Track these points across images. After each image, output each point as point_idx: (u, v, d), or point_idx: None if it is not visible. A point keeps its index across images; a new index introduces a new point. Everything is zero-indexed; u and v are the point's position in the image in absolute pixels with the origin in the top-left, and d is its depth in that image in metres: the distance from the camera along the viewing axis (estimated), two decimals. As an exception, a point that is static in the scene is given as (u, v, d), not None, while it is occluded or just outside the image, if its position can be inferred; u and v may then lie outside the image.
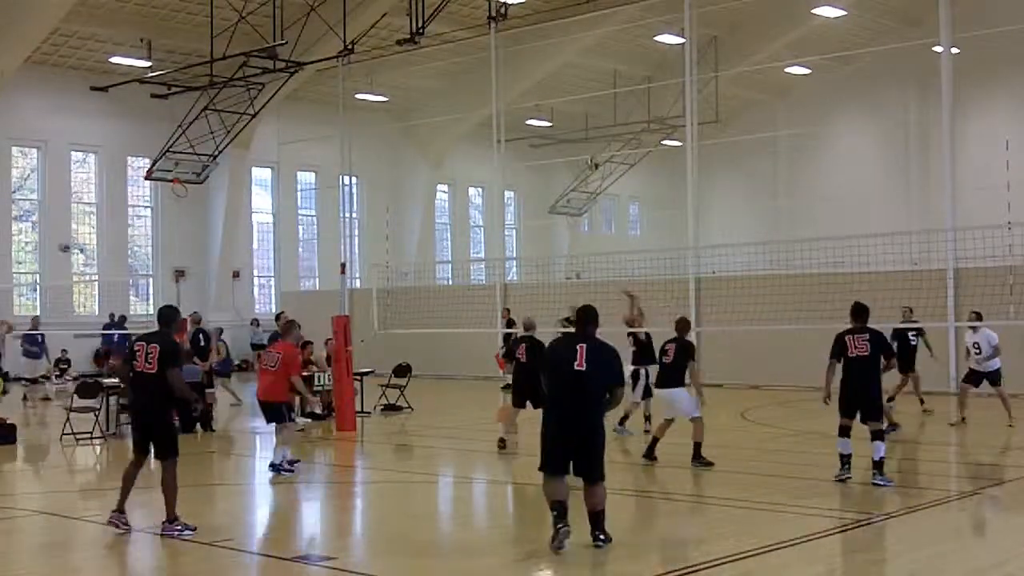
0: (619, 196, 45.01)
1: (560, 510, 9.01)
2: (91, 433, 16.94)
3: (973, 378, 17.42)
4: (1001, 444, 16.10)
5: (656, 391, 14.36)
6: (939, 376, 22.68)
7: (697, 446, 13.35)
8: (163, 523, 9.77)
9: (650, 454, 13.73)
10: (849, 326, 12.31)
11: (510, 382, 26.34)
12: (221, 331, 22.81)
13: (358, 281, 35.59)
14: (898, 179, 38.05)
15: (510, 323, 26.90)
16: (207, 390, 19.83)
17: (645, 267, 25.25)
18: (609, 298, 17.81)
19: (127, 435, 17.45)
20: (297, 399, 19.09)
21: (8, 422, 17.47)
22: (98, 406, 17.34)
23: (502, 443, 15.21)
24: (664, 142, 39.36)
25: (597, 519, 9.20)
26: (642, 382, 16.30)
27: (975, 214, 24.07)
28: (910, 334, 18.77)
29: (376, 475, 14.77)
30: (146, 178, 33.04)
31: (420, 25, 26.80)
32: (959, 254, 21.87)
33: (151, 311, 33.85)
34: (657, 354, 14.40)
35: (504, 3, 29.49)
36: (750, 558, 8.75)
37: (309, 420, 19.43)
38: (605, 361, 9.14)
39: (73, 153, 33.01)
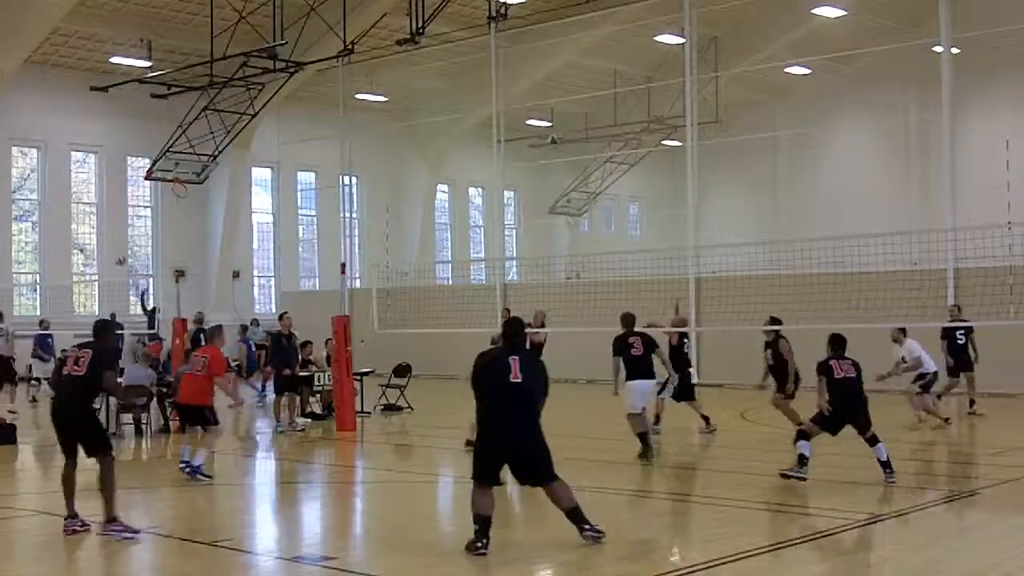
0: (619, 196, 45.00)
1: (484, 525, 9.08)
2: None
3: (924, 384, 17.64)
4: (1001, 444, 16.10)
5: (632, 384, 14.44)
6: (939, 376, 22.69)
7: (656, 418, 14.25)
8: (102, 524, 9.67)
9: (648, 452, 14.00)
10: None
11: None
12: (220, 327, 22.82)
13: (358, 281, 35.60)
14: (898, 179, 38.03)
15: (510, 323, 26.88)
16: None
17: (645, 267, 25.24)
18: (610, 298, 17.82)
19: (127, 435, 17.55)
20: (297, 400, 19.20)
21: (8, 423, 17.50)
22: (98, 406, 17.32)
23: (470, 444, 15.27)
24: (664, 142, 39.35)
25: (576, 515, 9.25)
26: (672, 383, 16.30)
27: (975, 214, 24.02)
28: (958, 333, 18.76)
29: (376, 475, 14.77)
30: (146, 178, 33.04)
31: (420, 25, 26.81)
32: (959, 254, 21.88)
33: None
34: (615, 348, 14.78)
35: (504, 3, 29.49)
36: (750, 558, 8.75)
37: (309, 420, 19.45)
38: (537, 372, 9.40)
39: (73, 153, 33.01)
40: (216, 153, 32.01)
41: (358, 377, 19.50)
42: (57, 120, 31.69)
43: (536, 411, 9.32)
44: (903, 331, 17.80)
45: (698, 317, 24.61)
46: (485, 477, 9.20)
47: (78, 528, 9.77)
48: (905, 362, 17.41)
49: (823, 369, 12.49)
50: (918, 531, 9.97)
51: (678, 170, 33.83)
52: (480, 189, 42.38)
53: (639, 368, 14.38)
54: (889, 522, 10.24)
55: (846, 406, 12.33)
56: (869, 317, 18.33)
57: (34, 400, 24.02)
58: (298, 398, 19.21)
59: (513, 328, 9.73)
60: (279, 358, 18.86)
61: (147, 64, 30.80)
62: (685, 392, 16.69)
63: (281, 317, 19.71)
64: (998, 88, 34.95)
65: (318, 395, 20.06)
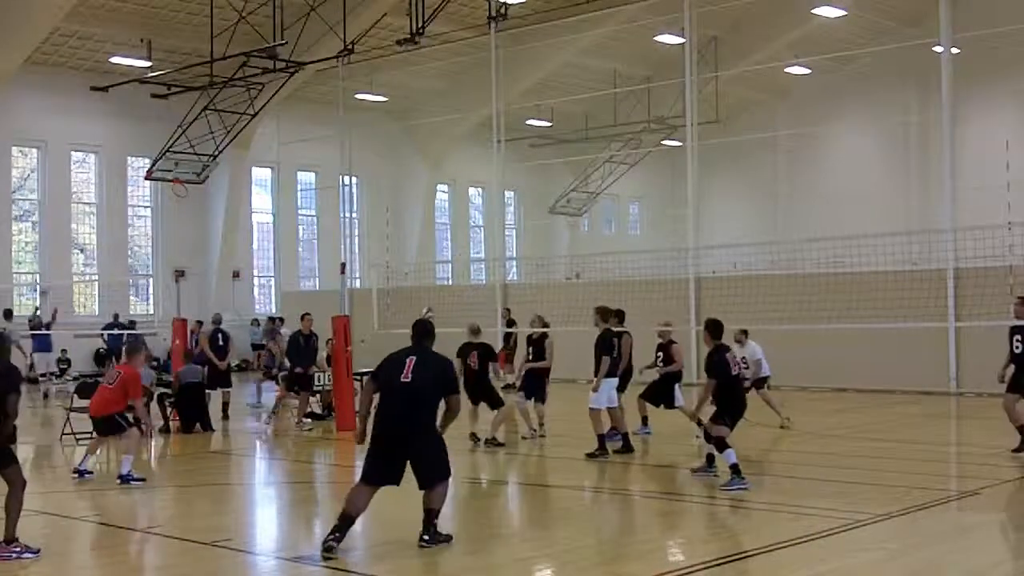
0: (619, 196, 45.02)
1: (349, 523, 9.10)
2: (91, 433, 16.92)
3: (758, 383, 17.42)
4: (1000, 444, 16.08)
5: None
6: (939, 377, 22.72)
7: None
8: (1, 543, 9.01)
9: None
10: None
11: (510, 382, 26.48)
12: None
13: (358, 281, 35.60)
14: (898, 179, 38.05)
15: (511, 323, 26.89)
16: (224, 388, 19.91)
17: (645, 267, 25.25)
18: (610, 298, 17.81)
19: (127, 435, 17.50)
20: (297, 402, 19.22)
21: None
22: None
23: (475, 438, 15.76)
24: (664, 142, 39.36)
25: (430, 516, 9.36)
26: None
27: (975, 214, 24.02)
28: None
29: (376, 475, 14.73)
30: (146, 178, 33.05)
31: (420, 25, 26.82)
32: (959, 254, 21.86)
33: (151, 311, 33.91)
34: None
35: (504, 3, 29.49)
36: (750, 558, 8.74)
37: (309, 420, 19.43)
38: (435, 373, 9.34)
39: (73, 153, 33.01)
40: (216, 153, 32.02)
41: (358, 377, 19.48)
42: (57, 120, 31.68)
43: (429, 412, 9.31)
44: (745, 332, 17.67)
45: (698, 317, 24.57)
46: (371, 479, 9.30)
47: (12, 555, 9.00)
48: (746, 364, 16.87)
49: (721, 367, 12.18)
50: (918, 531, 9.97)
51: (678, 170, 33.85)
52: (480, 189, 42.39)
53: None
54: (889, 522, 10.23)
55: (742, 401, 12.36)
56: (869, 317, 18.33)
57: (46, 396, 24.13)
58: (297, 401, 19.25)
59: (417, 329, 9.72)
60: (297, 357, 19.06)
61: (147, 64, 30.80)
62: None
63: (303, 317, 19.90)
64: (998, 88, 34.96)
65: (318, 395, 20.05)
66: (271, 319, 28.83)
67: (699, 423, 15.53)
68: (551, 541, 9.85)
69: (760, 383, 17.49)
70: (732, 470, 11.99)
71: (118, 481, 12.80)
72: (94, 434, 13.67)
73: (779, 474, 13.46)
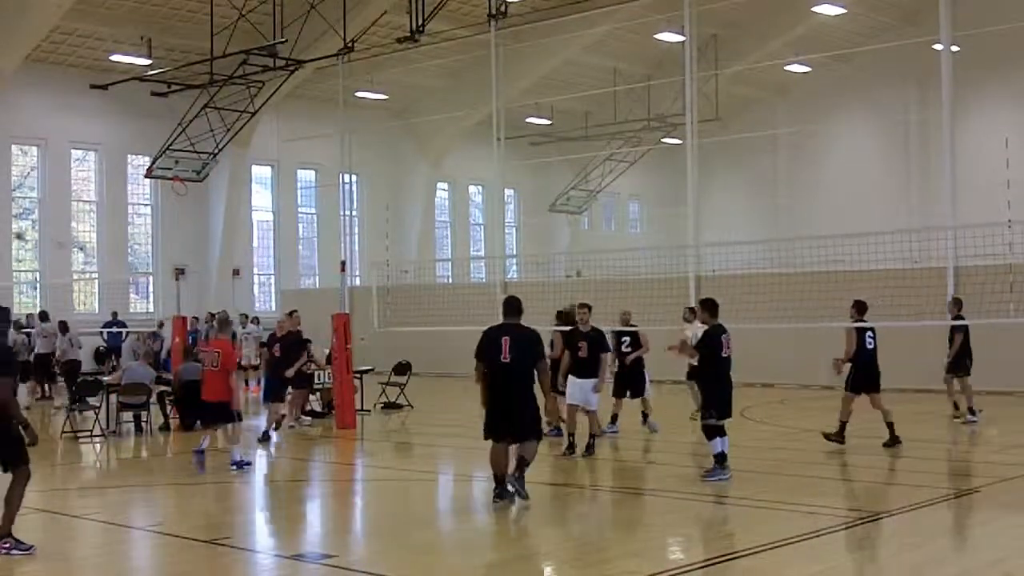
0: (619, 194, 45.01)
1: (502, 479, 10.90)
2: (91, 431, 16.96)
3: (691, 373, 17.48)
4: (1001, 442, 16.11)
5: (577, 380, 14.65)
6: (939, 375, 22.71)
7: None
8: None
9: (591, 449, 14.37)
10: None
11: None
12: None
13: (358, 279, 35.60)
14: (898, 177, 38.04)
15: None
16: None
17: (645, 265, 25.22)
18: (610, 296, 17.81)
19: (127, 433, 17.54)
20: (283, 408, 19.20)
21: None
22: (98, 404, 17.36)
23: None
24: (664, 140, 39.34)
25: (521, 465, 10.94)
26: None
27: (975, 212, 24.00)
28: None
29: (376, 473, 14.77)
30: (146, 176, 33.03)
31: (420, 23, 26.79)
32: (959, 252, 21.86)
33: (151, 309, 33.91)
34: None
35: (504, 1, 29.46)
36: (750, 557, 8.75)
37: (310, 418, 19.45)
38: (525, 348, 11.03)
39: (73, 151, 33.00)
40: (216, 151, 32.00)
41: (358, 375, 19.51)
42: (57, 118, 31.67)
43: (526, 382, 10.96)
44: (693, 311, 17.69)
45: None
46: (492, 436, 11.02)
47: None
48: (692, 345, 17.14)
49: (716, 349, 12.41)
50: (918, 529, 9.97)
51: (678, 168, 33.76)
52: (480, 187, 42.38)
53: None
54: (889, 520, 10.24)
55: (731, 387, 12.53)
56: (869, 315, 18.26)
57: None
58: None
59: (505, 307, 11.40)
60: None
61: (147, 62, 30.78)
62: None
63: (290, 315, 19.84)
64: (998, 86, 34.95)
65: (318, 393, 20.07)
66: (212, 315, 27.02)
67: (644, 417, 16.49)
68: (550, 540, 9.86)
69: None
70: (716, 459, 12.17)
71: (232, 468, 13.43)
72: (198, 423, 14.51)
73: (778, 472, 13.46)
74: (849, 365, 14.89)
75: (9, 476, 9.17)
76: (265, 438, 16.51)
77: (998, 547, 9.32)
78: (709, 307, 12.80)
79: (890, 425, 14.62)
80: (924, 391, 21.84)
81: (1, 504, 9.15)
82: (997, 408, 20.08)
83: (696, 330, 17.49)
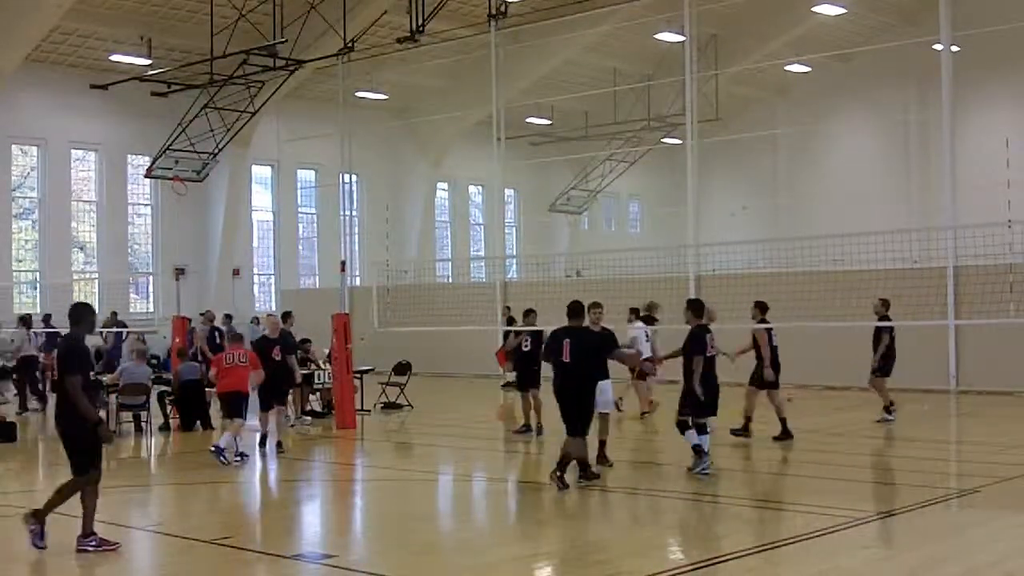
0: (619, 194, 45.02)
1: (584, 463, 12.08)
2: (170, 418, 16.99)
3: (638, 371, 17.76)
4: (1000, 443, 16.11)
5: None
6: (939, 375, 22.72)
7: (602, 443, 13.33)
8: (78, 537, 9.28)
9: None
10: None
11: (510, 380, 26.44)
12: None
13: (358, 279, 35.60)
14: (898, 177, 38.05)
15: (510, 321, 26.86)
16: None
17: (645, 265, 25.20)
18: (610, 296, 17.78)
19: (127, 433, 17.54)
20: (292, 394, 19.21)
21: (8, 420, 17.52)
22: (98, 404, 17.34)
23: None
24: (664, 140, 39.35)
25: (602, 446, 12.73)
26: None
27: (975, 212, 24.00)
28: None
29: (376, 473, 14.77)
30: (146, 176, 33.04)
31: (420, 23, 26.78)
32: (959, 252, 21.86)
33: (151, 309, 33.91)
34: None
35: (504, 1, 29.46)
36: (750, 557, 8.75)
37: (309, 418, 19.46)
38: (591, 348, 12.02)
39: (73, 151, 32.99)
40: (216, 151, 32.01)
41: (358, 375, 19.51)
42: (57, 118, 31.67)
43: (587, 379, 11.94)
44: (634, 312, 18.12)
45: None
46: (571, 431, 11.89)
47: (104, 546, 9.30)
48: (631, 346, 17.17)
49: (698, 348, 12.63)
50: (918, 529, 9.97)
51: (678, 168, 33.80)
52: (480, 187, 42.38)
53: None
54: (889, 520, 10.24)
55: (716, 384, 12.71)
56: (869, 315, 18.27)
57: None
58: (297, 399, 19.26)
59: (569, 310, 12.19)
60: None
61: (147, 62, 30.78)
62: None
63: (285, 317, 19.85)
64: (998, 86, 34.96)
65: (318, 393, 20.07)
66: (228, 316, 26.75)
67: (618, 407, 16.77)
68: (550, 539, 9.86)
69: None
70: (694, 451, 12.48)
71: (211, 449, 14.03)
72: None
73: (778, 472, 13.47)
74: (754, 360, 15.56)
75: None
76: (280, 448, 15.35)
77: (998, 547, 9.31)
78: (695, 308, 13.11)
79: (783, 420, 15.21)
80: (924, 391, 21.87)
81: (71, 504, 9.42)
82: (997, 408, 20.10)
83: (637, 331, 17.81)
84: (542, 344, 14.61)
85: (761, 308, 15.84)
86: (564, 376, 11.83)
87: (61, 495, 9.38)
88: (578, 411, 11.82)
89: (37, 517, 9.26)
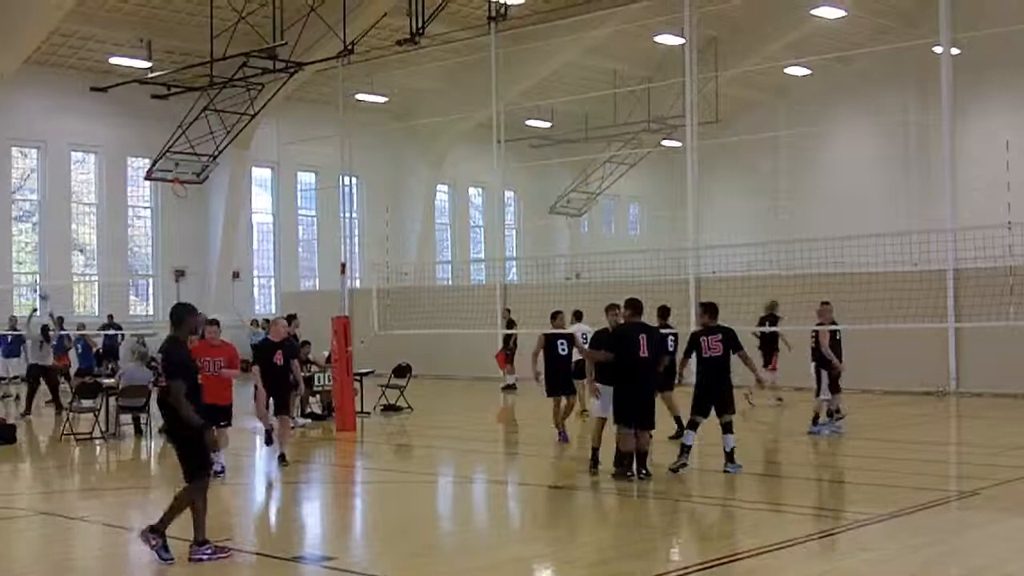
0: (619, 196, 45.02)
1: (630, 457, 12.38)
2: (91, 433, 16.96)
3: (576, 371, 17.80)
4: (1000, 444, 16.11)
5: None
6: (939, 377, 22.72)
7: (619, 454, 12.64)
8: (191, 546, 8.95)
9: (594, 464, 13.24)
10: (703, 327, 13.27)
11: (510, 383, 26.44)
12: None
13: (358, 281, 35.60)
14: (898, 179, 38.06)
15: (510, 323, 26.88)
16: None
17: (645, 267, 25.21)
18: (610, 298, 17.76)
19: (126, 435, 17.53)
20: (297, 399, 19.22)
21: (8, 423, 17.52)
22: (98, 406, 17.35)
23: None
24: (664, 142, 39.36)
25: (643, 457, 12.42)
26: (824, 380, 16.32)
27: (975, 214, 24.03)
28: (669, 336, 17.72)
29: (376, 475, 14.76)
30: (146, 178, 33.05)
31: (420, 25, 26.80)
32: (959, 254, 21.85)
33: (151, 311, 33.90)
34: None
35: (504, 3, 29.48)
36: (750, 558, 8.75)
37: (309, 420, 19.45)
38: (659, 344, 12.71)
39: (73, 153, 33.02)
40: (216, 153, 32.01)
41: (358, 377, 19.50)
42: (57, 120, 31.69)
43: (656, 374, 12.73)
44: (576, 314, 18.12)
45: (698, 317, 24.56)
46: (630, 424, 12.30)
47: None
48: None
49: (689, 350, 13.12)
50: (918, 531, 9.97)
51: (678, 170, 33.83)
52: (480, 189, 42.39)
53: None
54: (889, 522, 10.23)
55: (710, 385, 12.91)
56: (869, 317, 18.30)
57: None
58: (298, 398, 19.25)
59: (634, 307, 12.57)
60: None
61: (147, 64, 30.80)
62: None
63: (290, 320, 19.87)
64: (998, 88, 34.96)
65: (318, 395, 20.07)
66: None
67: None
68: (550, 541, 9.85)
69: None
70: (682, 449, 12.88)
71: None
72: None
73: (779, 474, 13.47)
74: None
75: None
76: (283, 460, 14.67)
77: (999, 549, 9.31)
78: (711, 310, 13.33)
79: (677, 419, 15.37)
80: (924, 393, 21.88)
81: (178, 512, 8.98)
82: (997, 410, 20.10)
83: (577, 331, 17.84)
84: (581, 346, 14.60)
85: (664, 314, 15.99)
86: (641, 370, 12.28)
87: (178, 504, 8.90)
88: (649, 404, 12.37)
89: (156, 531, 8.75)
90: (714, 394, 12.86)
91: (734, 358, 13.10)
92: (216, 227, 34.68)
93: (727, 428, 12.86)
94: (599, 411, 13.29)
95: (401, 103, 37.90)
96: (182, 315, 9.09)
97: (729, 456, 12.78)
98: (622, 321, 13.27)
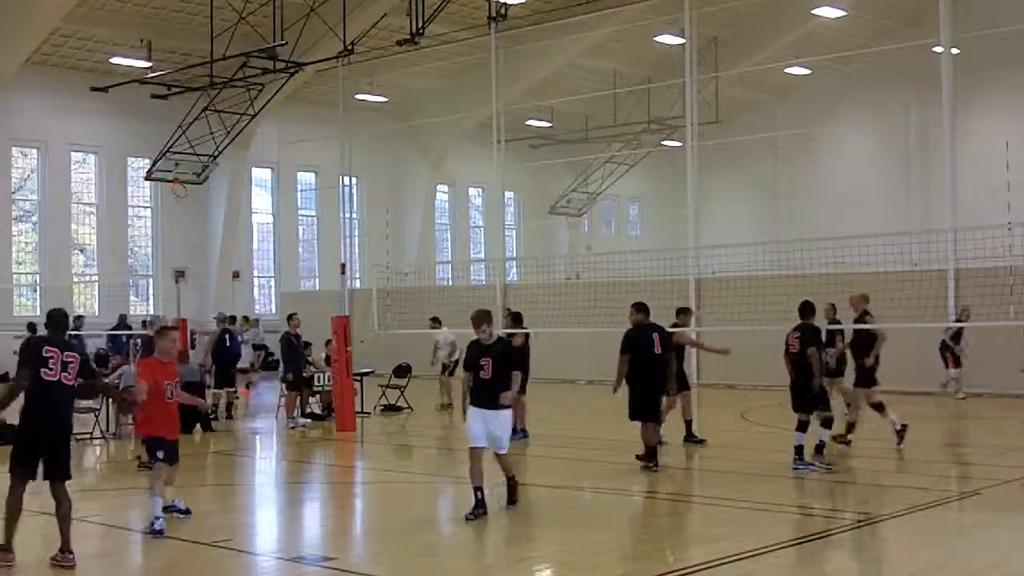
0: (619, 196, 45.03)
1: (653, 451, 12.92)
2: (91, 433, 16.95)
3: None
4: (1001, 444, 16.11)
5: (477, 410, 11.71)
6: (940, 377, 22.71)
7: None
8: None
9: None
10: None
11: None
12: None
13: (358, 281, 35.60)
14: (898, 179, 38.05)
15: (517, 319, 26.77)
16: (229, 389, 19.90)
17: (645, 267, 25.21)
18: (610, 298, 17.78)
19: (127, 436, 17.51)
20: (297, 399, 19.25)
21: (8, 422, 17.46)
22: (98, 407, 17.34)
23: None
24: (664, 142, 39.36)
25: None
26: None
27: (975, 214, 24.03)
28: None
29: (376, 475, 14.76)
30: (146, 179, 33.05)
31: (420, 25, 26.79)
32: (959, 254, 21.85)
33: (151, 311, 33.87)
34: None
35: (504, 3, 29.48)
36: (750, 558, 8.74)
37: (309, 420, 19.45)
38: (670, 342, 13.68)
39: (73, 153, 33.02)
40: (216, 153, 32.01)
41: (358, 377, 19.50)
42: (57, 120, 31.69)
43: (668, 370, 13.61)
44: (435, 320, 19.16)
45: (698, 317, 24.56)
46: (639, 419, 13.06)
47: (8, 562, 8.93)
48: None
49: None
50: (918, 531, 9.97)
51: (678, 170, 33.80)
52: (480, 189, 42.39)
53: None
54: (889, 522, 10.23)
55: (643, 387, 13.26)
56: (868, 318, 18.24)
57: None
58: (298, 398, 19.29)
59: (644, 309, 13.37)
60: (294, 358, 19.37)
61: (147, 65, 30.79)
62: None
63: (290, 318, 19.96)
64: (998, 88, 34.96)
65: (318, 395, 20.07)
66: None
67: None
68: (549, 542, 9.84)
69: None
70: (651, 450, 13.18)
71: (176, 513, 10.66)
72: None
73: (779, 474, 13.45)
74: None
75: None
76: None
77: (999, 550, 9.31)
78: (640, 308, 13.56)
79: (688, 423, 15.44)
80: (925, 394, 21.88)
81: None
82: (997, 411, 20.09)
83: (438, 337, 18.15)
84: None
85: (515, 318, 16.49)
86: (654, 367, 13.05)
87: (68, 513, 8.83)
88: (656, 401, 13.15)
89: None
90: (641, 397, 13.14)
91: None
92: (216, 227, 34.68)
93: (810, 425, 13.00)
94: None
95: (401, 103, 37.91)
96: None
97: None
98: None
